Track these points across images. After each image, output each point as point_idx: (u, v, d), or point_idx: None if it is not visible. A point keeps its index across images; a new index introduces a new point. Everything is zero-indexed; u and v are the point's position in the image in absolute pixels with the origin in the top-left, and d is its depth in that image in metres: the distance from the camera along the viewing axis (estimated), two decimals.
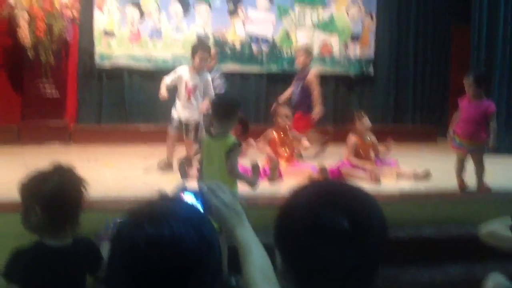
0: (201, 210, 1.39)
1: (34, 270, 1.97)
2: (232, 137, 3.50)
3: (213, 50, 5.79)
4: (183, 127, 5.20)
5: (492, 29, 6.90)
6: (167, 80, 5.23)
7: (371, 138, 5.34)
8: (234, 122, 3.63)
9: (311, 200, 1.12)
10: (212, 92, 5.18)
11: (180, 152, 5.25)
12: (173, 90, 5.29)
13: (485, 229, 2.39)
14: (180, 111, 5.20)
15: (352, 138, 5.25)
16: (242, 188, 3.53)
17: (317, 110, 5.96)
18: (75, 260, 2.04)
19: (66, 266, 2.01)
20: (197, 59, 5.06)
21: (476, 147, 4.58)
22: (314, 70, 6.22)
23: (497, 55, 6.86)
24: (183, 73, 5.18)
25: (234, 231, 1.38)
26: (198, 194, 1.42)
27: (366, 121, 5.24)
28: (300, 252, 1.09)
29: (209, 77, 5.30)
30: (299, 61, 6.21)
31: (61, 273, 1.99)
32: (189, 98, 5.15)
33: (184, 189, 1.43)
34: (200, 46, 5.27)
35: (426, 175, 5.12)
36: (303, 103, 6.01)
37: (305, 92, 6.03)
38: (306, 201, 1.13)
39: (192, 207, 1.21)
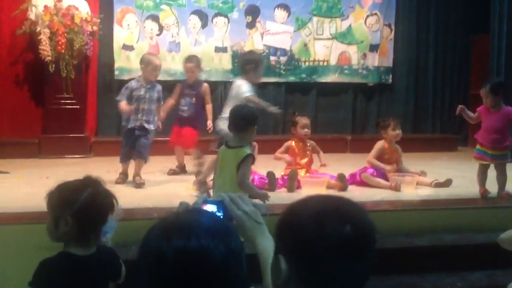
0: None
1: (61, 279, 1.99)
2: (246, 149, 3.51)
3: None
4: None
5: (511, 39, 6.87)
6: None
7: (397, 147, 5.34)
8: (251, 134, 3.63)
9: (316, 210, 1.14)
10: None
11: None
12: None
13: (505, 235, 2.37)
14: None
15: (381, 142, 5.27)
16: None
17: (210, 124, 5.63)
18: (99, 268, 2.08)
19: (91, 274, 2.05)
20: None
21: (500, 155, 4.54)
22: (206, 83, 5.98)
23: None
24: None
25: (255, 241, 1.41)
26: (220, 205, 1.43)
27: (399, 131, 5.24)
28: (306, 260, 1.10)
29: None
30: (194, 74, 5.79)
31: (86, 281, 2.03)
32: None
33: (206, 199, 1.44)
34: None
35: (447, 183, 5.08)
36: (195, 118, 5.71)
37: (199, 106, 5.76)
38: (311, 211, 1.15)
39: (219, 218, 1.22)
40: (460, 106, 4.81)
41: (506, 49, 6.93)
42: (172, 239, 1.02)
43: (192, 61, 5.81)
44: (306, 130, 5.27)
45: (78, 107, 6.67)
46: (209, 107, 5.79)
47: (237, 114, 3.78)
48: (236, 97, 4.83)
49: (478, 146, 4.64)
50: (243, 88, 4.86)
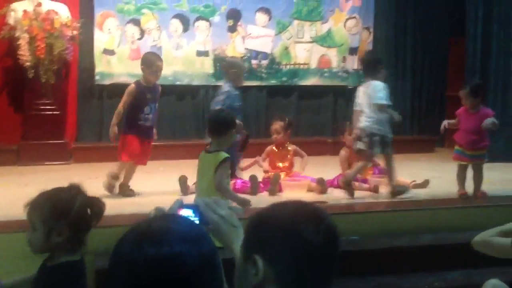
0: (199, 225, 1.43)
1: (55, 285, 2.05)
2: (222, 153, 3.54)
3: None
4: None
5: (486, 41, 7.00)
6: None
7: None
8: (228, 138, 3.66)
9: (293, 212, 1.21)
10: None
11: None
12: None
13: (478, 238, 2.44)
14: None
15: (342, 153, 5.35)
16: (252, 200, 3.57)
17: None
18: (84, 274, 2.13)
19: (78, 279, 2.10)
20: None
21: (477, 155, 4.64)
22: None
23: (490, 67, 6.96)
24: None
25: (232, 245, 1.40)
26: (195, 210, 1.43)
27: (353, 132, 5.29)
28: (284, 260, 1.15)
29: None
30: (158, 76, 5.07)
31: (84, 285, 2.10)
32: None
33: (181, 204, 1.44)
34: None
35: (425, 184, 5.17)
36: (153, 127, 5.14)
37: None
38: (289, 213, 1.21)
39: (192, 224, 1.20)
40: (443, 124, 4.86)
41: (481, 52, 7.05)
42: (143, 247, 1.01)
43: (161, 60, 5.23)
44: (275, 135, 5.33)
45: (58, 112, 6.60)
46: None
47: (214, 118, 3.82)
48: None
49: (456, 147, 4.74)
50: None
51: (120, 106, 4.99)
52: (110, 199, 4.72)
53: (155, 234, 1.04)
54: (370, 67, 4.97)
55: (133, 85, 5.02)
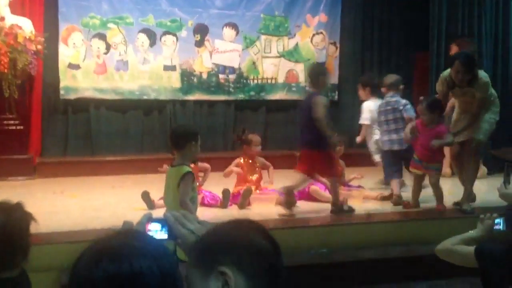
0: (168, 240, 1.40)
1: None
2: (185, 167, 3.52)
3: None
4: None
5: (450, 56, 7.13)
6: None
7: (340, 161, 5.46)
8: (191, 151, 3.64)
9: (247, 228, 1.25)
10: None
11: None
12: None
13: (441, 246, 2.47)
14: None
15: None
16: (208, 215, 3.54)
17: None
18: None
19: None
20: None
21: (432, 167, 4.78)
22: None
23: None
24: None
25: None
26: (164, 223, 1.41)
27: (341, 147, 5.37)
28: (249, 268, 1.16)
29: None
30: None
31: None
32: None
33: (150, 218, 1.42)
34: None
35: (391, 197, 5.22)
36: None
37: None
38: (237, 228, 1.26)
39: (153, 240, 1.18)
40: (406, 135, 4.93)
41: (444, 66, 7.18)
42: (102, 264, 1.00)
43: None
44: (259, 147, 5.35)
45: (21, 127, 6.47)
46: None
47: (175, 132, 3.86)
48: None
49: (414, 155, 4.83)
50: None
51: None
52: (78, 214, 4.65)
53: (114, 251, 1.03)
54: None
55: (323, 97, 4.79)
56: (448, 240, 2.44)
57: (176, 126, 3.97)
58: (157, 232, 1.41)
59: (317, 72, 4.86)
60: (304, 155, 4.75)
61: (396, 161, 5.24)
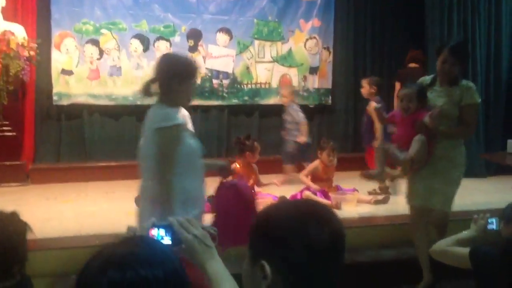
0: (171, 245, 1.40)
1: None
2: None
3: None
4: None
5: None
6: None
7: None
8: None
9: (296, 213, 1.20)
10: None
11: None
12: None
13: (436, 247, 2.47)
14: None
15: (316, 162, 5.46)
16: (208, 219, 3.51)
17: None
18: None
19: None
20: None
21: None
22: None
23: None
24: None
25: (205, 265, 1.40)
26: (168, 229, 1.42)
27: (334, 158, 5.40)
28: (292, 262, 1.14)
29: None
30: None
31: None
32: None
33: (154, 223, 1.43)
34: None
35: (385, 200, 5.25)
36: None
37: None
38: (293, 213, 1.19)
39: (156, 246, 1.18)
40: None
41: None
42: (108, 273, 1.00)
43: None
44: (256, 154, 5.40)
45: (14, 134, 6.45)
46: None
47: None
48: None
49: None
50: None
51: None
52: (71, 220, 4.63)
53: (119, 259, 1.03)
54: None
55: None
56: (442, 241, 2.45)
57: None
58: (161, 237, 1.42)
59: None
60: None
61: None
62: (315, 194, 5.21)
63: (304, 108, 8.09)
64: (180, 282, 1.06)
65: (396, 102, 5.23)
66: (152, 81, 2.84)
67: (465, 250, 2.29)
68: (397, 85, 6.29)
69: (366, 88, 6.11)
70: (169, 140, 2.74)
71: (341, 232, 1.19)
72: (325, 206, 1.25)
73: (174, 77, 2.77)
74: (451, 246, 2.39)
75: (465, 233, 2.43)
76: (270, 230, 1.19)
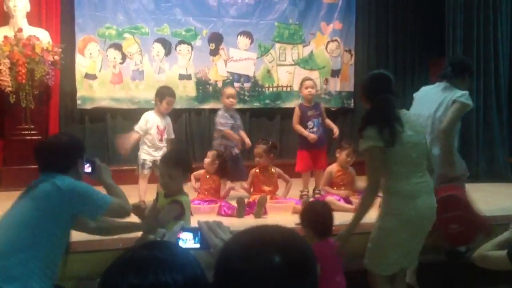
0: (199, 248, 1.41)
1: None
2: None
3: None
4: (155, 167, 5.25)
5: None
6: (141, 128, 5.34)
7: (350, 170, 5.44)
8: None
9: (243, 243, 1.13)
10: (172, 134, 5.61)
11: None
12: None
13: (476, 254, 2.45)
14: (152, 153, 5.37)
15: (329, 168, 5.46)
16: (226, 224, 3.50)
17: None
18: None
19: None
20: (164, 104, 5.38)
21: None
22: None
23: (470, 87, 7.04)
24: (153, 118, 5.41)
25: None
26: (196, 233, 1.43)
27: (351, 159, 5.32)
28: None
29: (169, 120, 5.60)
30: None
31: None
32: (161, 139, 5.40)
33: (182, 227, 1.44)
34: (168, 92, 5.49)
35: None
36: None
37: None
38: (239, 245, 1.13)
39: (179, 250, 1.17)
40: None
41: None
42: (128, 277, 1.01)
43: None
44: (257, 159, 5.45)
45: (39, 137, 6.52)
46: None
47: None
48: None
49: None
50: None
51: None
52: None
53: (140, 263, 1.04)
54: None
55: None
56: (482, 246, 2.43)
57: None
58: (188, 241, 1.42)
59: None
60: None
61: None
62: (337, 199, 5.17)
63: (327, 111, 8.08)
64: (199, 287, 1.07)
65: None
66: None
67: (504, 252, 2.27)
68: None
69: None
70: None
71: (296, 257, 1.09)
72: (282, 230, 1.15)
73: None
74: (491, 251, 2.37)
75: (504, 235, 2.41)
76: (220, 263, 1.13)
